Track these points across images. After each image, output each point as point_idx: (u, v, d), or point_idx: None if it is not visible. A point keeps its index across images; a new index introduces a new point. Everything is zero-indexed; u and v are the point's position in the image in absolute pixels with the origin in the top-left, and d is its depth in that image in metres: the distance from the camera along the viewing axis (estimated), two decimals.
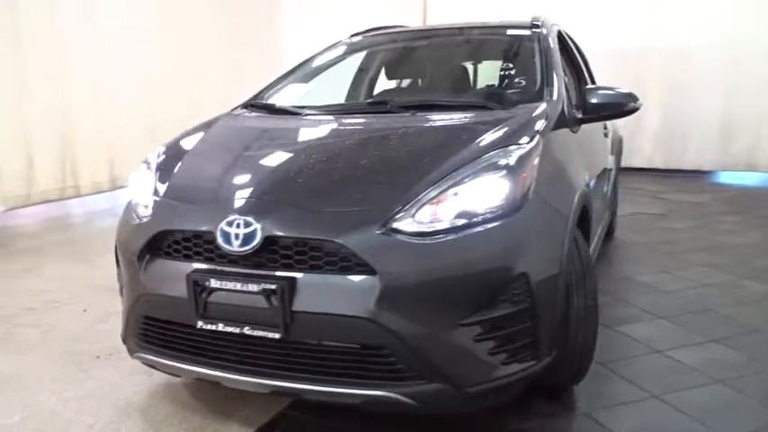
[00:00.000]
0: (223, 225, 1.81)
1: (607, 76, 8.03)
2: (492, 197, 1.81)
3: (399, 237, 1.72)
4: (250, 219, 1.78)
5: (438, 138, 2.16)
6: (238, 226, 1.79)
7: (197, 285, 1.82)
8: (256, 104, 2.83)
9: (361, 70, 3.32)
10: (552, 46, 2.80)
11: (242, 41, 8.31)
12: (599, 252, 4.19)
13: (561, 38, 3.37)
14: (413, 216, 1.75)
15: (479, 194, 1.80)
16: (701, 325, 2.88)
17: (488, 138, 2.02)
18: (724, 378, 2.35)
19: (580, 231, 2.21)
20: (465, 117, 2.31)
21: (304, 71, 3.12)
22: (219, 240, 1.80)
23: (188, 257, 1.90)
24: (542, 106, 2.28)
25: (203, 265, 1.86)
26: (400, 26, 3.41)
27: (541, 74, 2.58)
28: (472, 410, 2.03)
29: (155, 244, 1.97)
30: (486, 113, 2.30)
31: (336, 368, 1.76)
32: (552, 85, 2.50)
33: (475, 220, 1.77)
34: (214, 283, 1.80)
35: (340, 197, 1.85)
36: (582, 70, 3.42)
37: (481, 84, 2.92)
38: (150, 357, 2.04)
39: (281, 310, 1.73)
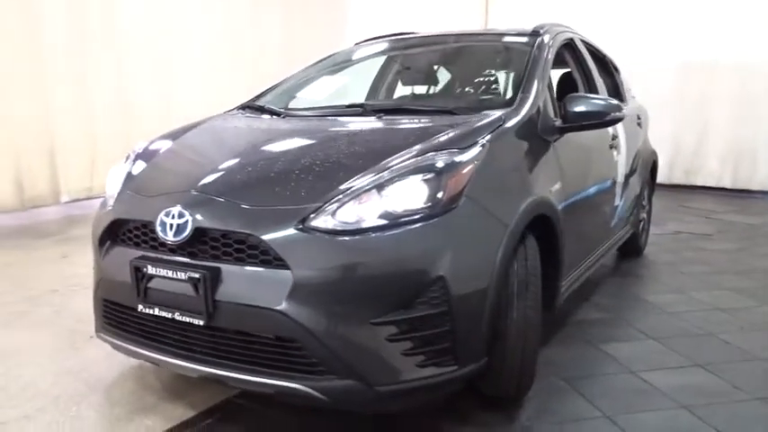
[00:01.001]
0: (162, 215, 1.92)
1: (670, 90, 7.77)
2: (416, 199, 1.82)
3: (315, 234, 1.77)
4: (184, 210, 1.89)
5: (386, 140, 2.18)
6: (173, 217, 1.90)
7: (138, 271, 1.94)
8: (250, 105, 2.96)
9: (361, 74, 3.40)
10: (545, 54, 2.75)
11: (305, 46, 8.56)
12: (614, 268, 4.06)
13: (571, 46, 3.30)
14: (333, 214, 1.79)
15: (404, 196, 1.82)
16: (693, 349, 2.72)
17: (432, 141, 2.03)
18: (690, 404, 2.22)
19: (535, 240, 2.17)
20: (424, 121, 2.32)
21: (307, 75, 3.23)
22: (158, 230, 1.92)
23: (137, 245, 2.04)
24: (498, 113, 2.25)
25: (144, 253, 1.98)
26: (406, 33, 3.44)
27: (522, 81, 2.54)
28: (385, 410, 2.04)
29: (112, 232, 2.13)
30: (446, 118, 2.30)
31: (254, 357, 1.83)
32: (528, 92, 2.46)
33: (396, 220, 1.79)
34: (151, 270, 1.92)
35: (269, 193, 1.92)
36: (593, 79, 3.31)
37: (465, 90, 2.90)
38: (108, 338, 2.19)
39: (204, 298, 1.81)
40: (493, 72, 2.70)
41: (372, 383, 1.78)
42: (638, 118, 4.13)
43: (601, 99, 2.53)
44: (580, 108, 2.49)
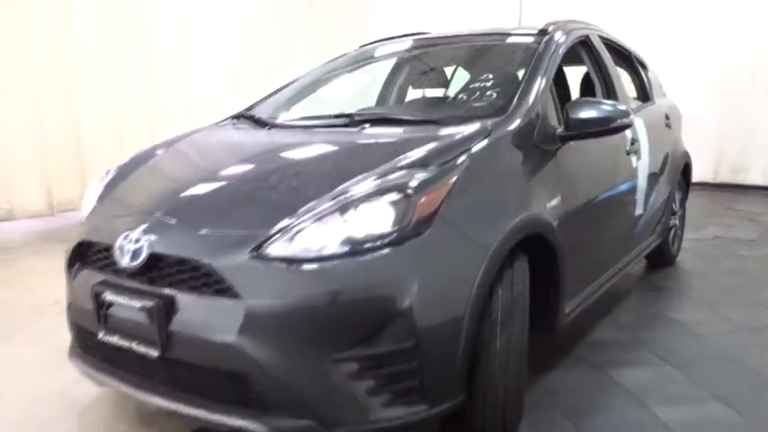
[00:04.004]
0: (121, 239, 1.83)
1: (714, 84, 7.31)
2: (381, 223, 1.67)
3: (270, 261, 1.64)
4: (140, 235, 1.79)
5: (360, 156, 2.04)
6: (131, 241, 1.80)
7: (98, 297, 1.86)
8: (243, 115, 2.86)
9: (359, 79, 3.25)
10: (550, 55, 2.55)
11: (331, 44, 8.47)
12: (640, 278, 3.79)
13: (587, 44, 3.07)
14: (291, 239, 1.66)
15: (368, 219, 1.67)
16: (715, 378, 2.47)
17: (407, 157, 1.87)
18: None
19: (526, 262, 1.99)
20: (406, 134, 2.16)
21: (309, 81, 3.10)
22: (116, 254, 1.83)
23: (101, 269, 1.95)
24: (486, 123, 2.07)
25: (106, 277, 1.89)
26: (415, 34, 3.27)
27: (521, 86, 2.35)
28: None
29: (80, 253, 2.05)
30: (431, 129, 2.13)
31: (208, 393, 1.72)
32: (525, 98, 2.27)
33: (360, 247, 1.64)
34: (110, 296, 1.83)
35: (227, 217, 1.80)
36: (610, 78, 3.06)
37: (460, 96, 2.70)
38: (78, 363, 2.12)
39: (157, 329, 1.71)
40: (491, 76, 2.51)
41: (332, 425, 1.64)
42: (667, 118, 3.84)
43: (606, 105, 2.30)
44: (582, 115, 2.28)
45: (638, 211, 3.21)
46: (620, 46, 3.65)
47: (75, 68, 6.01)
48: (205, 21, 7.15)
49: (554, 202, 2.20)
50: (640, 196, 3.19)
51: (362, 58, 3.21)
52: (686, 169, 4.19)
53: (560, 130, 2.32)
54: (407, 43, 3.18)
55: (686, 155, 4.16)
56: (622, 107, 2.33)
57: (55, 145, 5.95)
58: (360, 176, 1.80)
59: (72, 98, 6.02)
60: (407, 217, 1.68)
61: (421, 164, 1.82)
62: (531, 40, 2.72)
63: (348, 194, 1.72)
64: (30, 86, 5.72)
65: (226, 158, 2.26)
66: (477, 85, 2.51)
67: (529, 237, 2.00)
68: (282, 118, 2.71)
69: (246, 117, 2.82)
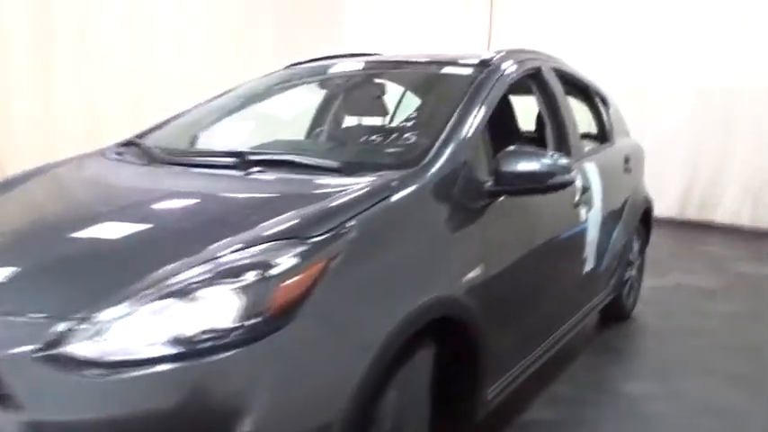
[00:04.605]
0: None
1: (687, 116, 7.07)
2: (225, 315, 1.26)
3: (68, 363, 1.22)
4: None
5: (229, 214, 1.63)
6: None
7: None
8: (132, 142, 2.43)
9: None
10: (487, 92, 2.18)
11: (299, 51, 8.03)
12: (591, 336, 3.43)
13: (537, 78, 2.71)
14: (97, 334, 1.25)
15: (207, 310, 1.27)
16: None
17: (280, 222, 1.47)
18: None
19: (431, 350, 1.61)
20: (295, 185, 1.77)
21: (220, 104, 2.68)
22: None
23: None
24: (390, 178, 1.68)
25: None
26: (350, 55, 2.87)
27: (447, 129, 1.97)
28: None
29: None
30: (326, 179, 1.75)
31: None
32: (447, 145, 1.89)
33: (194, 347, 1.24)
34: None
35: (35, 293, 1.38)
36: (562, 122, 2.71)
37: (374, 136, 2.31)
38: None
39: None
40: (415, 114, 2.14)
41: None
42: (627, 161, 3.51)
43: (545, 158, 1.94)
44: (516, 168, 1.91)
45: (588, 267, 2.86)
46: (578, 80, 3.31)
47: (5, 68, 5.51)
48: (156, 16, 6.63)
49: (474, 272, 1.82)
50: (590, 251, 2.83)
51: (288, 80, 2.80)
52: (646, 215, 3.86)
53: (490, 183, 1.94)
54: (339, 66, 2.76)
55: (647, 200, 3.84)
56: (564, 161, 1.97)
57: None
58: (214, 246, 1.40)
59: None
60: (261, 307, 1.28)
61: (292, 234, 1.42)
62: (468, 72, 2.35)
63: (187, 275, 1.31)
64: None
65: (71, 207, 1.84)
66: (397, 123, 2.13)
67: (436, 321, 1.63)
68: (171, 149, 2.29)
69: (135, 145, 2.40)
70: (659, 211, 6.99)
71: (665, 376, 2.95)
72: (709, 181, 7.17)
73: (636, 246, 3.77)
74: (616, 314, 3.68)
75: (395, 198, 1.61)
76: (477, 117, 2.06)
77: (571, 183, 1.97)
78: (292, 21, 8.00)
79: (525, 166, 1.92)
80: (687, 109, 7.15)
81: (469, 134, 1.97)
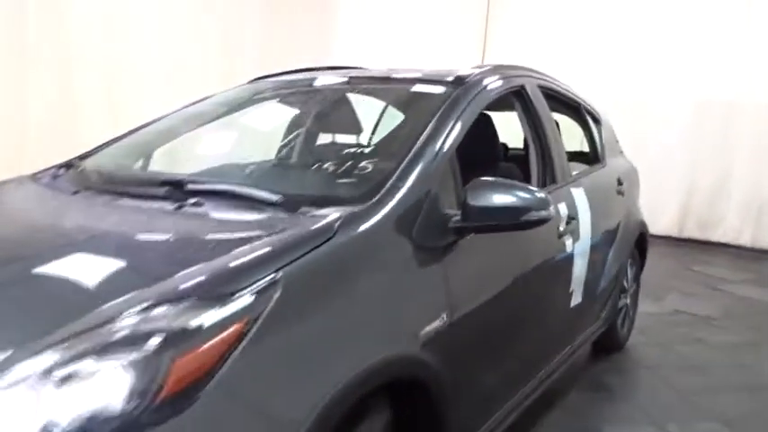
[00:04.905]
0: None
1: (685, 131, 6.83)
2: (108, 399, 1.03)
3: None
4: None
5: (145, 260, 1.40)
6: None
7: None
8: (70, 164, 2.20)
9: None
10: (460, 114, 1.95)
11: (287, 52, 7.74)
12: (581, 369, 3.18)
13: (521, 96, 2.49)
14: None
15: (86, 392, 1.03)
16: None
17: (186, 277, 1.23)
18: None
19: (385, 414, 1.38)
20: (223, 227, 1.54)
21: (168, 123, 2.45)
22: None
23: None
24: (336, 216, 1.44)
25: None
26: (309, 69, 2.64)
27: (407, 157, 1.74)
28: None
29: None
30: (262, 215, 1.52)
31: None
32: (406, 177, 1.66)
33: None
34: None
35: None
36: (547, 144, 2.48)
37: (329, 164, 2.06)
38: None
39: None
40: (374, 139, 1.91)
41: None
42: (620, 183, 3.28)
43: (520, 191, 1.71)
44: (486, 202, 1.67)
45: (575, 301, 2.62)
46: (568, 97, 3.08)
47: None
48: (136, 15, 6.34)
49: (436, 323, 1.58)
50: (578, 285, 2.59)
51: (250, 96, 2.55)
52: (641, 239, 3.63)
53: (457, 218, 1.71)
54: (305, 82, 2.50)
55: (642, 224, 3.60)
56: (541, 195, 1.74)
57: None
58: (106, 307, 1.16)
59: None
60: (156, 386, 1.04)
61: (201, 291, 1.19)
62: (441, 90, 2.12)
63: (65, 349, 1.07)
64: None
65: None
66: (356, 149, 1.90)
67: (385, 384, 1.39)
68: (109, 174, 2.05)
69: (74, 167, 2.17)
70: (657, 228, 6.82)
71: (659, 423, 2.70)
72: (710, 198, 6.93)
73: (630, 272, 3.53)
74: (609, 345, 3.44)
75: (337, 242, 1.38)
76: (446, 141, 1.83)
77: (549, 219, 1.73)
78: (282, 22, 7.75)
79: (496, 199, 1.68)
80: (685, 122, 6.93)
81: (436, 161, 1.74)
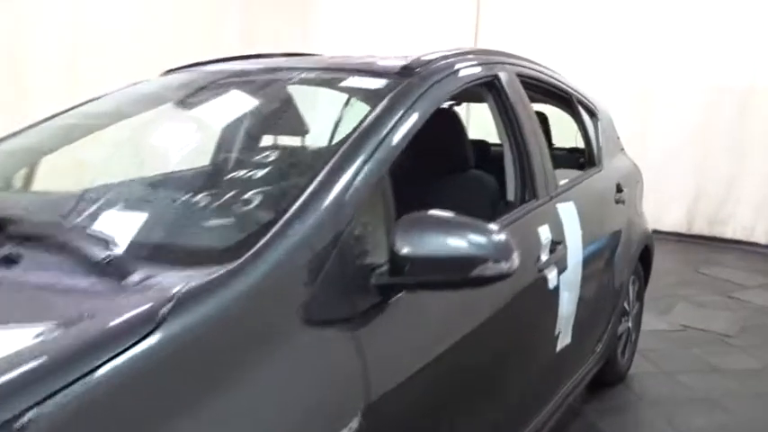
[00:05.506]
0: None
1: (698, 120, 6.26)
2: None
3: None
4: None
5: None
6: None
7: None
8: None
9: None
10: (398, 119, 1.44)
11: (267, 41, 7.21)
12: (564, 415, 2.67)
13: (495, 89, 1.98)
14: None
15: None
16: None
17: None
18: None
19: None
20: (30, 300, 1.03)
21: (47, 129, 1.92)
22: None
23: None
24: (167, 295, 0.93)
25: None
26: (237, 57, 2.12)
27: (312, 186, 1.22)
28: None
29: None
30: (77, 295, 1.01)
31: None
32: (309, 211, 1.15)
33: None
34: None
35: None
36: (526, 150, 1.97)
37: (219, 192, 1.51)
38: None
39: None
40: (277, 156, 1.40)
41: None
42: (620, 189, 2.76)
43: (468, 230, 1.20)
44: (417, 250, 1.17)
45: (564, 343, 2.12)
46: (557, 87, 2.56)
47: None
48: (113, 5, 5.84)
49: (350, 424, 1.09)
50: (565, 324, 2.09)
51: (152, 93, 2.03)
52: (646, 253, 3.12)
53: (382, 270, 1.21)
54: (218, 75, 1.96)
55: (646, 236, 3.09)
56: (500, 237, 1.22)
57: None
58: None
59: None
60: None
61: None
62: (380, 84, 1.61)
63: None
64: None
65: None
66: (247, 172, 1.38)
67: None
68: None
69: None
70: (665, 225, 6.30)
71: None
72: (720, 191, 6.38)
73: (632, 291, 3.03)
74: (607, 379, 2.95)
75: (158, 341, 0.87)
76: (373, 158, 1.32)
77: (510, 275, 1.22)
78: (265, 10, 7.23)
79: (435, 245, 1.18)
80: (695, 110, 6.35)
81: (353, 190, 1.23)
